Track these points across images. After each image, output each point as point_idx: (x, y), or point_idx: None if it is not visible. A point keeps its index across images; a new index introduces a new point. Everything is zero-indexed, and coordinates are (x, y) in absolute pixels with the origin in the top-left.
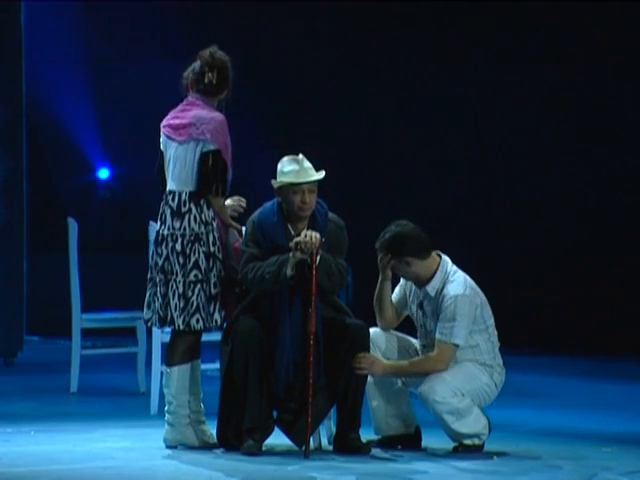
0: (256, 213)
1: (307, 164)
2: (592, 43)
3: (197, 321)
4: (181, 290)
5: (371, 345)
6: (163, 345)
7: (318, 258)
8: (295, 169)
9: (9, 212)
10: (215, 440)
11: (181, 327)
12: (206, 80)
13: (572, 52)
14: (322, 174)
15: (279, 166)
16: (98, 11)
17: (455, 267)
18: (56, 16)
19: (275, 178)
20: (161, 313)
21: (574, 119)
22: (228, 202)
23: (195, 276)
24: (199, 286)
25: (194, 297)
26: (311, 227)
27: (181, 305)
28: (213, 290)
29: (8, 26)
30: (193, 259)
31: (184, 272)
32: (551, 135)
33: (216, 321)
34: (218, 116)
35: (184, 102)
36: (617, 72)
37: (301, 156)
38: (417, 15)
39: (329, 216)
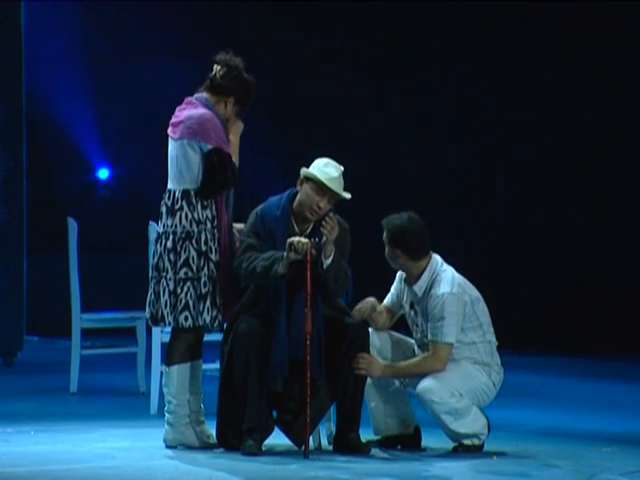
0: (261, 205)
1: (342, 179)
2: (601, 46)
3: (185, 319)
4: (172, 287)
5: (370, 346)
6: (163, 345)
7: (328, 261)
8: (333, 175)
9: (9, 212)
10: (215, 440)
11: (172, 323)
12: (212, 73)
13: (578, 56)
14: (349, 195)
15: (318, 162)
16: (98, 11)
17: (445, 265)
18: (56, 16)
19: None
20: (153, 310)
21: (577, 120)
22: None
23: (185, 274)
24: (189, 284)
25: (183, 295)
26: (317, 228)
27: (171, 302)
28: (203, 289)
29: (8, 26)
30: (184, 257)
31: (175, 269)
32: (554, 133)
33: (204, 320)
34: (205, 113)
35: (185, 101)
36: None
37: (342, 168)
38: (426, 19)
39: (335, 220)
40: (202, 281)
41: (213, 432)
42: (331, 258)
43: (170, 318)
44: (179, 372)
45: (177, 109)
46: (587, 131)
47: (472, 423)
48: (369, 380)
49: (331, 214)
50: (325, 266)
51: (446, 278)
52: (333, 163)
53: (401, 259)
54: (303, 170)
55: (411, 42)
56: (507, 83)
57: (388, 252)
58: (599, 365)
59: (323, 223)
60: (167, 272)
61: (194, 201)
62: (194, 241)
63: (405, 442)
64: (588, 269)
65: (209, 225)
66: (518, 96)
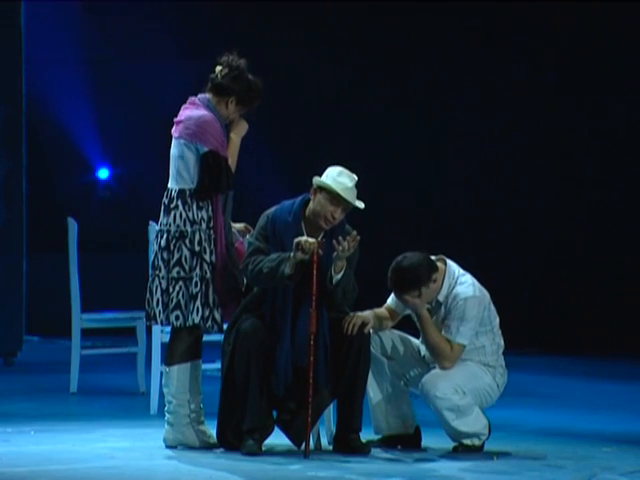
0: (272, 208)
1: (355, 189)
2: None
3: (177, 318)
4: (164, 286)
5: (374, 344)
6: (163, 345)
7: (338, 277)
8: (347, 185)
9: (9, 212)
10: (215, 440)
11: (163, 322)
12: (214, 74)
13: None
14: (362, 205)
15: (332, 170)
16: (98, 11)
17: (462, 270)
18: (56, 16)
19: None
20: (148, 309)
21: (577, 121)
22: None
23: (178, 273)
24: (181, 283)
25: (174, 294)
26: (328, 236)
27: (163, 301)
28: (194, 289)
29: (8, 26)
30: (177, 256)
31: (168, 268)
32: (555, 135)
33: (193, 320)
34: (205, 115)
35: (188, 100)
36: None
37: (355, 177)
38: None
39: (345, 228)
40: (194, 281)
41: (213, 432)
42: (341, 274)
43: (162, 317)
44: (179, 372)
45: (182, 108)
46: (589, 132)
47: (474, 422)
48: (370, 380)
49: (354, 233)
50: (335, 281)
51: (467, 282)
52: (347, 172)
53: (421, 294)
54: (316, 179)
55: (423, 50)
56: (509, 88)
57: (410, 301)
58: (599, 365)
59: (348, 238)
60: (160, 270)
61: (190, 201)
62: (187, 241)
63: (405, 442)
64: (588, 269)
65: (204, 226)
66: (521, 103)
